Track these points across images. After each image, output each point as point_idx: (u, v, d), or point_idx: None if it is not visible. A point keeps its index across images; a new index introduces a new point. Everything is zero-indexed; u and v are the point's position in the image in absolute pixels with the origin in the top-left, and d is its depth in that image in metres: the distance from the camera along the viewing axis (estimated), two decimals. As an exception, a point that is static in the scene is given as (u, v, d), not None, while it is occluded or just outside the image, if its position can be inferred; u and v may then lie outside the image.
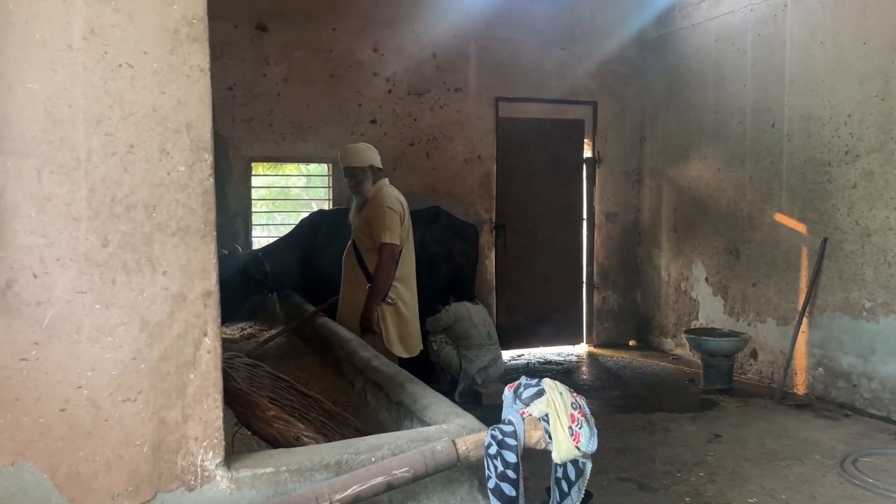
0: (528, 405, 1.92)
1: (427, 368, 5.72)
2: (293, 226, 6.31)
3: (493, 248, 7.57)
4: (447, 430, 2.10)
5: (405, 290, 4.61)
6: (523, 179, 7.63)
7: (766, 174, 6.43)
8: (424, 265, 5.32)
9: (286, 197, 8.48)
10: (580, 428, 1.86)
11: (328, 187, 7.26)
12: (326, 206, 7.18)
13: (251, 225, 6.91)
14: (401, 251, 4.50)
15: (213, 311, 1.78)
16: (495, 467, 1.82)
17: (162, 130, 1.72)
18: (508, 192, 7.60)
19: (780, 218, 6.27)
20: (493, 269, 7.57)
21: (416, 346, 4.67)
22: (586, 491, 1.97)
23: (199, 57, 1.75)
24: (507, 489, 1.81)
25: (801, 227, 6.06)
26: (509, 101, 7.54)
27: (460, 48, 7.33)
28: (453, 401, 2.48)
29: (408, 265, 4.62)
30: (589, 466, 1.96)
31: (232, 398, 2.24)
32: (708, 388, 6.21)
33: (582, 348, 7.99)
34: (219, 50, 6.39)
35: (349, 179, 4.66)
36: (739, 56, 6.70)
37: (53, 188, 1.64)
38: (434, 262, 6.11)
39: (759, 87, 6.48)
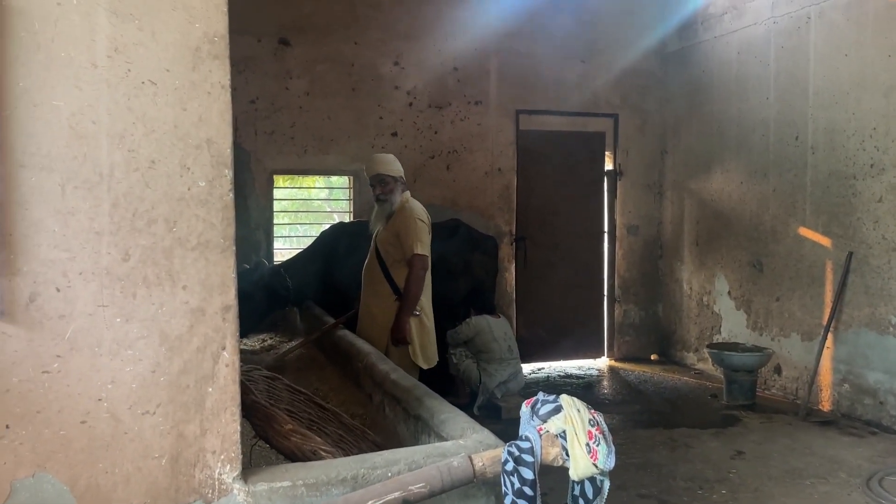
0: (545, 421, 1.91)
1: (446, 381, 5.71)
2: (314, 238, 6.35)
3: (514, 261, 7.55)
4: (464, 445, 2.09)
5: (426, 302, 4.64)
6: (544, 192, 7.61)
7: (789, 187, 6.36)
8: (444, 277, 5.33)
9: (308, 209, 8.53)
10: (598, 445, 1.85)
11: (349, 200, 7.30)
12: (347, 218, 7.22)
13: (273, 237, 6.96)
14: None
15: (231, 325, 1.80)
16: (512, 484, 1.81)
17: (183, 146, 1.75)
18: (529, 204, 7.58)
19: (804, 232, 6.20)
20: (514, 282, 7.55)
21: (435, 357, 4.69)
22: (605, 508, 1.95)
23: (219, 74, 1.77)
24: (524, 506, 1.80)
25: (825, 241, 5.98)
26: (530, 113, 7.54)
27: (481, 61, 7.35)
28: (472, 414, 2.48)
29: (428, 277, 4.65)
30: (607, 484, 1.94)
31: (250, 411, 2.25)
32: (731, 404, 6.13)
33: (603, 362, 7.94)
34: (242, 64, 6.48)
35: (379, 186, 4.61)
36: (762, 68, 6.65)
37: (77, 203, 1.67)
38: (453, 274, 6.11)
39: (783, 99, 6.43)
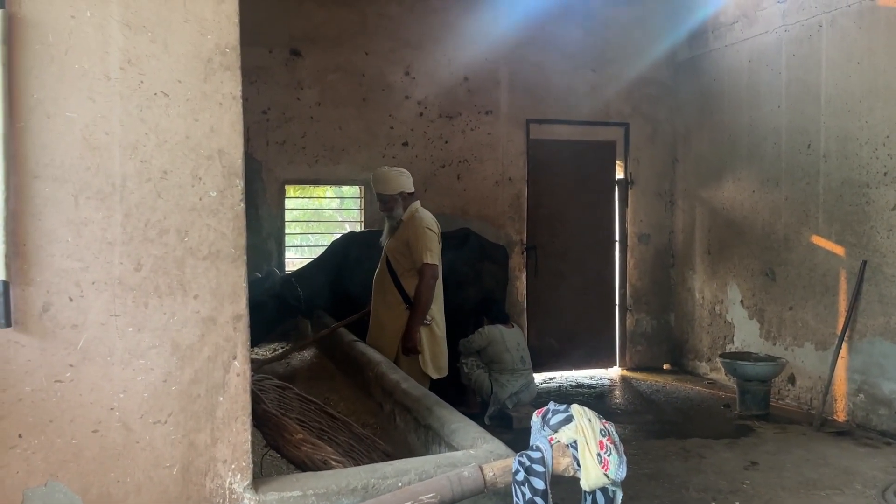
0: (556, 431, 1.90)
1: (457, 390, 5.69)
2: (325, 247, 6.37)
3: (524, 270, 7.54)
4: (475, 455, 2.09)
5: (437, 311, 4.64)
6: (554, 201, 7.61)
7: (801, 196, 6.32)
8: (454, 287, 5.33)
9: (319, 219, 8.56)
10: (609, 455, 1.84)
11: (360, 209, 7.32)
12: (358, 227, 7.23)
13: (284, 246, 6.99)
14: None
15: (242, 334, 1.80)
16: (523, 494, 1.80)
17: (195, 157, 1.76)
18: (539, 213, 7.58)
19: (817, 240, 6.15)
20: (524, 291, 7.53)
21: (445, 367, 4.69)
22: (617, 519, 1.94)
23: (231, 85, 1.78)
24: (535, 517, 1.79)
25: (838, 250, 5.94)
26: (540, 122, 7.55)
27: (491, 71, 7.37)
28: (482, 424, 2.47)
29: (439, 286, 4.64)
30: (619, 495, 1.92)
31: (261, 420, 2.25)
32: (744, 414, 6.08)
33: (614, 371, 7.89)
34: (254, 75, 6.52)
35: (380, 203, 4.73)
36: (774, 77, 6.62)
37: (90, 213, 1.68)
38: (463, 283, 6.11)
39: (794, 107, 6.40)
